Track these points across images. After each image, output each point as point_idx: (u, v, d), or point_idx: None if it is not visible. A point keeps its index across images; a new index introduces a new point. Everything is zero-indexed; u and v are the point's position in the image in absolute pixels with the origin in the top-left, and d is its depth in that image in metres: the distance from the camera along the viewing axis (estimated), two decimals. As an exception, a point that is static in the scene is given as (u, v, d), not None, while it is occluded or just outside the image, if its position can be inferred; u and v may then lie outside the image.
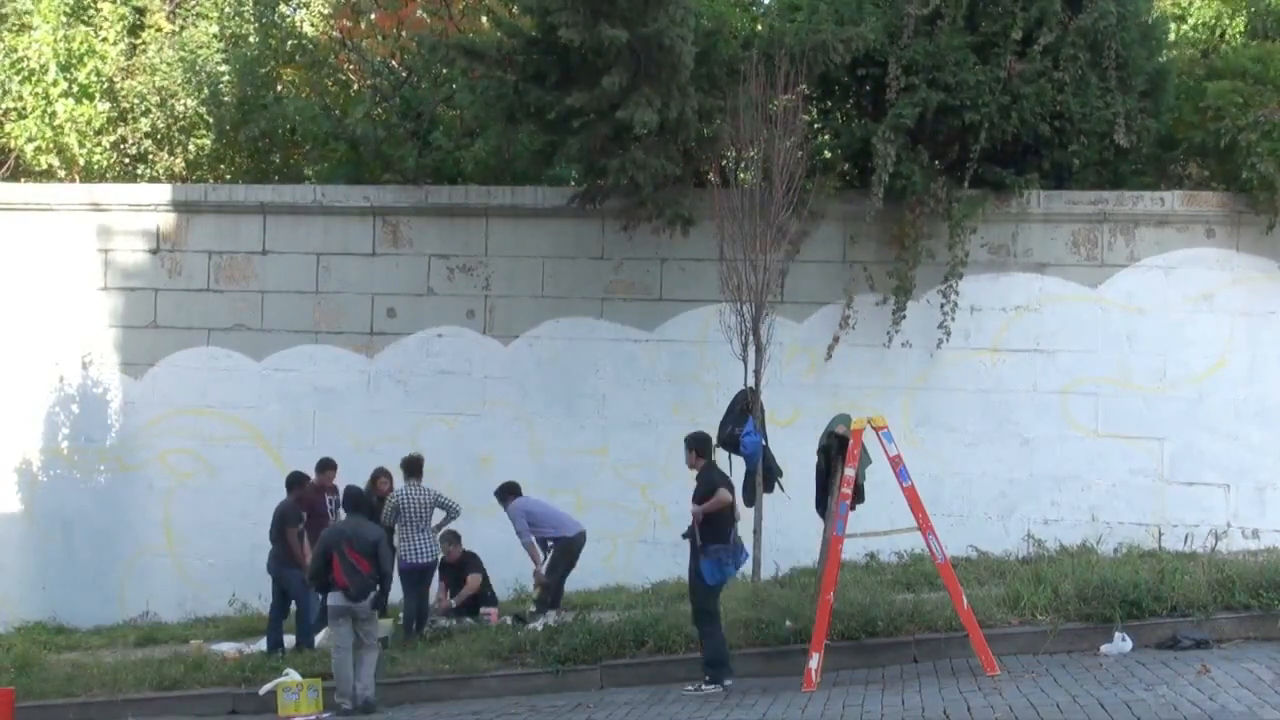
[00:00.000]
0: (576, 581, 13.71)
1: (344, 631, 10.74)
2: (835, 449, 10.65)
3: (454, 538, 13.01)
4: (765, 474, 12.40)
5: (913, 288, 13.94)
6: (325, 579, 10.80)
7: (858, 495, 10.45)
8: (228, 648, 12.38)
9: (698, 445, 10.68)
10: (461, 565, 13.00)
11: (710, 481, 10.38)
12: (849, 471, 10.14)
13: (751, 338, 12.19)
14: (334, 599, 10.78)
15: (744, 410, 12.41)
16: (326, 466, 13.14)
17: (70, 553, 15.18)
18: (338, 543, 10.79)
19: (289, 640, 12.35)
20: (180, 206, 15.45)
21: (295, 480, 12.84)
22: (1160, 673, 8.91)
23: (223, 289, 15.33)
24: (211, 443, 15.16)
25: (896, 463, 9.98)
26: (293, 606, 12.56)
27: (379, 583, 10.86)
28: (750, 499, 12.42)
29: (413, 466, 12.59)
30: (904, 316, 13.95)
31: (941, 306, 13.84)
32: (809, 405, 13.92)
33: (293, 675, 10.96)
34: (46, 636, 13.93)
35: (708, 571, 10.09)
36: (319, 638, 12.05)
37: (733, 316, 12.24)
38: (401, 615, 12.42)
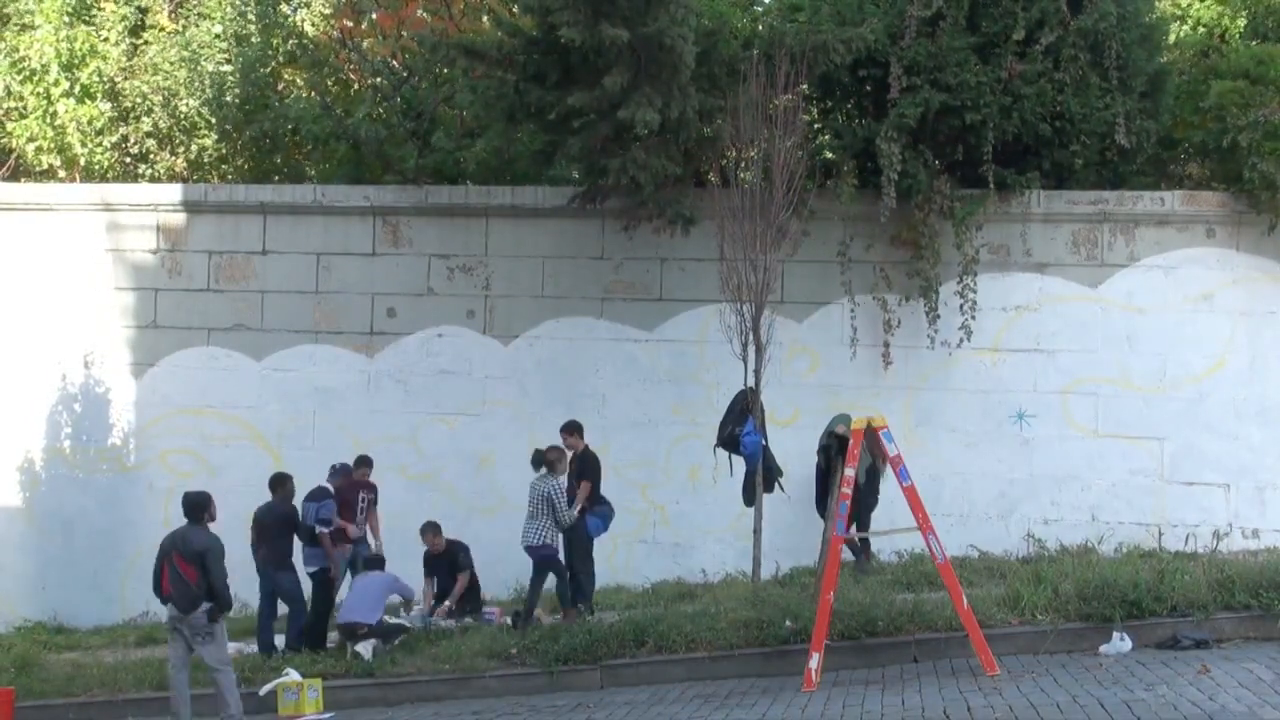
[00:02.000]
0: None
1: (177, 647, 10.31)
2: (835, 449, 10.68)
3: (435, 528, 12.95)
4: (765, 474, 12.44)
5: (940, 285, 13.89)
6: (159, 589, 10.41)
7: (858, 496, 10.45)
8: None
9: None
10: (452, 559, 12.90)
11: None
12: (849, 471, 10.15)
13: (751, 338, 12.20)
14: (168, 610, 10.38)
15: (744, 410, 12.43)
16: (362, 464, 13.23)
17: (70, 552, 15.17)
18: (169, 552, 10.34)
19: (278, 640, 12.36)
20: (180, 206, 15.44)
21: (278, 481, 12.77)
22: (1160, 673, 8.91)
23: (223, 289, 15.33)
24: (211, 442, 15.15)
25: (896, 463, 9.98)
26: (282, 607, 12.57)
27: (210, 596, 10.22)
28: (750, 499, 12.45)
29: (541, 460, 12.40)
30: (938, 316, 13.90)
31: (960, 306, 13.80)
32: (809, 405, 13.93)
33: (293, 675, 10.95)
34: (46, 636, 13.92)
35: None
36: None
37: (733, 316, 12.25)
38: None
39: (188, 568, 10.19)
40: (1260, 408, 13.78)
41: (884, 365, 14.12)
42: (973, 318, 13.83)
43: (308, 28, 18.01)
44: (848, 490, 10.14)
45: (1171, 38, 15.91)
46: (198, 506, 10.61)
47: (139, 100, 16.43)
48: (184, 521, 10.58)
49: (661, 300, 14.77)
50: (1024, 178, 13.92)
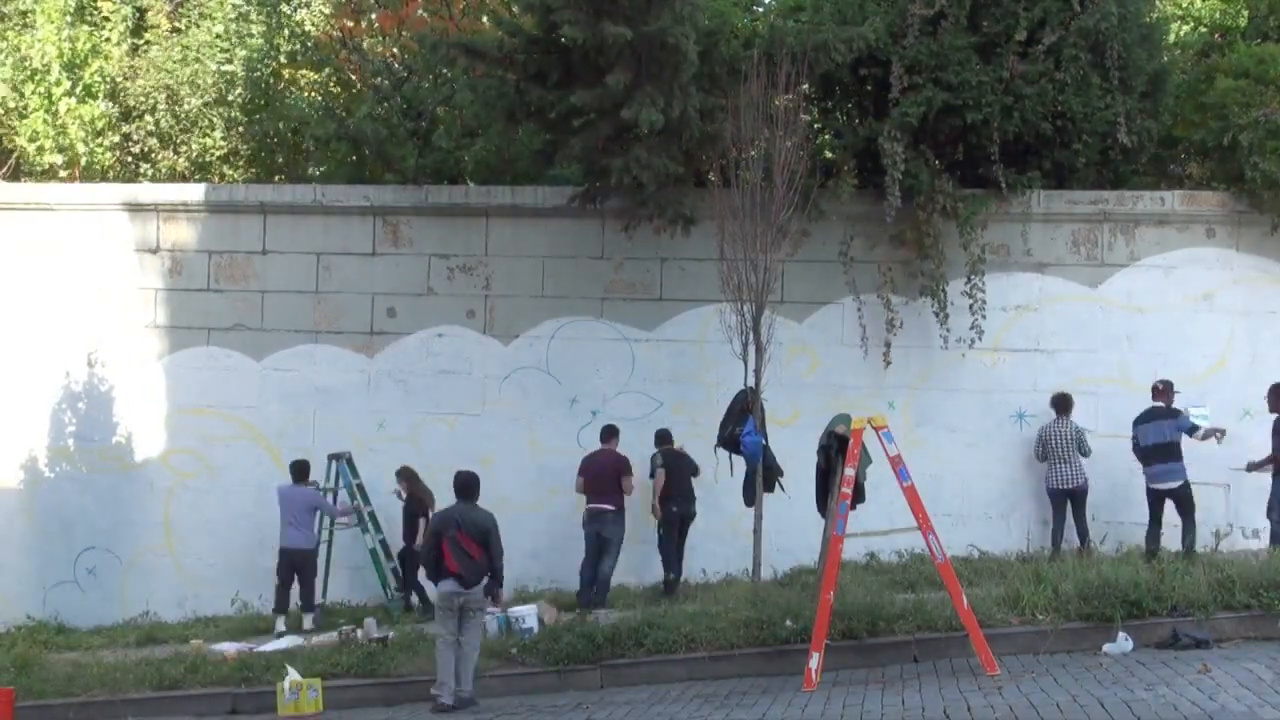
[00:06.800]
0: (576, 581, 13.73)
1: (449, 624, 10.56)
2: (835, 448, 10.66)
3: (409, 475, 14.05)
4: (766, 474, 12.45)
5: (947, 285, 13.89)
6: (437, 565, 10.65)
7: (858, 495, 10.46)
8: (228, 647, 12.37)
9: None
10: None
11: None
12: (849, 471, 10.14)
13: (751, 337, 12.20)
14: (445, 586, 10.60)
15: (744, 410, 12.44)
16: (611, 434, 13.83)
17: (71, 552, 15.16)
18: (447, 528, 10.67)
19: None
20: (181, 206, 15.44)
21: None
22: (1160, 672, 8.91)
23: (223, 289, 15.32)
24: (212, 442, 15.15)
25: (896, 462, 9.97)
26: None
27: (490, 572, 10.66)
28: (750, 499, 12.46)
29: (1063, 404, 13.67)
30: (948, 315, 13.92)
31: (970, 306, 13.78)
32: (809, 405, 13.93)
33: (293, 675, 10.96)
34: (47, 636, 13.92)
35: None
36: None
37: (733, 316, 12.25)
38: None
39: (472, 544, 10.56)
40: (1260, 408, 13.76)
41: (884, 365, 14.12)
42: (983, 317, 13.82)
43: (308, 27, 18.00)
44: (848, 490, 10.13)
45: (1172, 37, 15.92)
46: (473, 486, 11.04)
47: (140, 99, 16.42)
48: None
49: (661, 300, 14.77)
50: (1025, 177, 13.93)
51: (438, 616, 10.77)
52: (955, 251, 13.97)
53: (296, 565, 13.59)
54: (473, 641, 10.63)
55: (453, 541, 10.56)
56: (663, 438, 13.81)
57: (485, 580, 10.63)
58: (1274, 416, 12.81)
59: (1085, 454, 13.47)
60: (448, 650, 10.51)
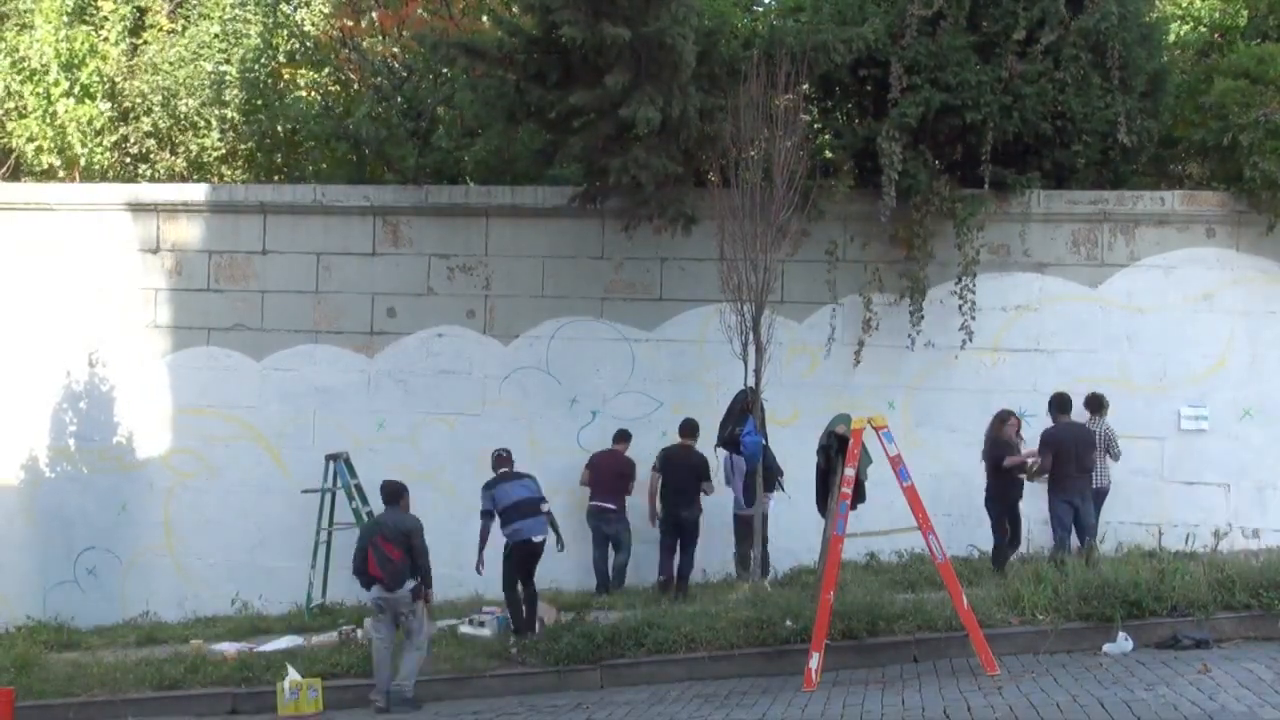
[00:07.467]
0: (577, 581, 13.75)
1: (382, 628, 10.88)
2: (835, 448, 10.66)
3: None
4: (766, 474, 12.44)
5: (928, 287, 13.91)
6: (365, 572, 10.95)
7: (858, 495, 10.46)
8: (228, 647, 12.37)
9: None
10: None
11: None
12: (849, 471, 10.14)
13: (751, 337, 12.20)
14: (374, 592, 10.91)
15: (744, 410, 12.44)
16: (622, 438, 14.14)
17: (71, 552, 15.17)
18: (371, 534, 11.07)
19: None
20: (180, 206, 15.44)
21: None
22: (1160, 672, 8.91)
23: (223, 289, 15.32)
24: (212, 442, 15.15)
25: (896, 462, 9.97)
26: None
27: (417, 573, 10.92)
28: (750, 499, 12.46)
29: (1095, 405, 13.17)
30: (922, 316, 13.92)
31: (959, 307, 13.80)
32: (809, 405, 13.93)
33: (293, 675, 10.96)
34: (47, 636, 13.92)
35: None
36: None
37: (733, 316, 12.25)
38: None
39: (392, 548, 10.83)
40: (1260, 407, 13.78)
41: (854, 364, 14.12)
42: (973, 318, 13.82)
43: (308, 27, 17.99)
44: (848, 490, 10.14)
45: (1171, 37, 15.92)
46: (396, 493, 11.35)
47: (139, 100, 16.41)
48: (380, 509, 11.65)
49: (661, 300, 14.77)
50: (1024, 177, 13.93)
51: (372, 620, 11.12)
52: (949, 252, 13.97)
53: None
54: (415, 640, 10.86)
55: (375, 547, 10.90)
56: (685, 429, 13.54)
57: (411, 583, 10.90)
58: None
59: (1115, 458, 13.11)
60: (383, 654, 10.81)
